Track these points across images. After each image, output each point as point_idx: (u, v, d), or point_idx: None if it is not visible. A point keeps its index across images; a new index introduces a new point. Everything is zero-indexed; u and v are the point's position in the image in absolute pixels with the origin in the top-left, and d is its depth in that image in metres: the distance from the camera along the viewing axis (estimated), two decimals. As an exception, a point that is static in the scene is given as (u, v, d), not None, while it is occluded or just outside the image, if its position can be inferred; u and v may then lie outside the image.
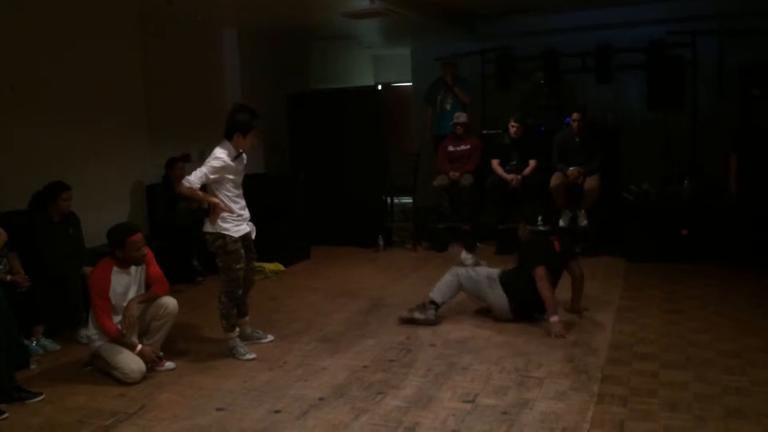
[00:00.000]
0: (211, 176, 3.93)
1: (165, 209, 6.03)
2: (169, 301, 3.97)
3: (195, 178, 3.91)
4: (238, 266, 4.05)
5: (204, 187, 4.02)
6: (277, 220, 6.86)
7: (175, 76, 6.66)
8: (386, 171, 7.59)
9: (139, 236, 3.86)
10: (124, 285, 3.88)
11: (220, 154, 3.94)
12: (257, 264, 6.27)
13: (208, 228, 4.04)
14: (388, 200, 7.70)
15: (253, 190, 7.00)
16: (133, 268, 3.93)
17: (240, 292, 4.16)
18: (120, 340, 3.79)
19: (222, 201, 3.99)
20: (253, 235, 4.27)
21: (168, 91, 6.54)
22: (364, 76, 10.50)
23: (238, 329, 4.18)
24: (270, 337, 4.43)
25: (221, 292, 4.11)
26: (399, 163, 7.90)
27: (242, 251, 4.08)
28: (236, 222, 4.06)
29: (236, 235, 4.04)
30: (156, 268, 4.03)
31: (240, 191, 4.13)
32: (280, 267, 6.43)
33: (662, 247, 6.18)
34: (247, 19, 7.25)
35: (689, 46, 7.52)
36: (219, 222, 3.99)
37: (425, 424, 3.12)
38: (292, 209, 7.10)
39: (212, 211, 4.00)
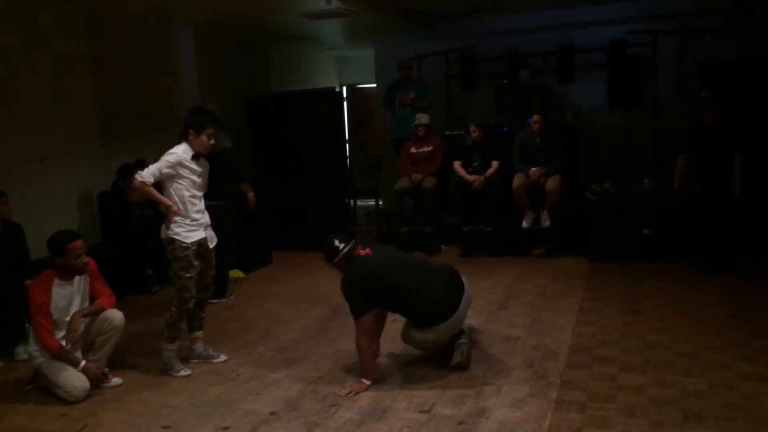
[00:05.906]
0: (165, 170, 3.76)
1: (119, 217, 5.85)
2: (115, 315, 3.80)
3: (147, 173, 3.74)
4: (187, 275, 3.84)
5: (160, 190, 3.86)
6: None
7: (129, 78, 6.47)
8: (349, 173, 7.48)
9: (79, 243, 3.70)
10: (67, 298, 3.72)
11: (176, 150, 3.82)
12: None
13: (162, 233, 3.88)
14: (352, 203, 7.59)
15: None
16: (76, 280, 3.76)
17: (191, 305, 3.95)
18: (62, 356, 3.62)
19: (176, 203, 3.82)
20: (212, 244, 4.03)
21: (121, 94, 6.35)
22: (327, 77, 10.35)
23: (177, 343, 3.96)
24: (223, 357, 4.15)
25: (174, 302, 3.92)
26: (362, 165, 7.81)
27: (194, 260, 3.86)
28: (190, 227, 3.86)
29: (187, 240, 3.84)
30: (101, 281, 3.87)
31: (199, 194, 3.94)
32: (240, 274, 6.27)
33: (625, 247, 6.16)
34: (201, 20, 7.09)
35: (650, 45, 7.57)
36: (172, 226, 3.82)
37: (378, 437, 3.03)
38: (252, 213, 6.93)
39: (166, 214, 3.84)
